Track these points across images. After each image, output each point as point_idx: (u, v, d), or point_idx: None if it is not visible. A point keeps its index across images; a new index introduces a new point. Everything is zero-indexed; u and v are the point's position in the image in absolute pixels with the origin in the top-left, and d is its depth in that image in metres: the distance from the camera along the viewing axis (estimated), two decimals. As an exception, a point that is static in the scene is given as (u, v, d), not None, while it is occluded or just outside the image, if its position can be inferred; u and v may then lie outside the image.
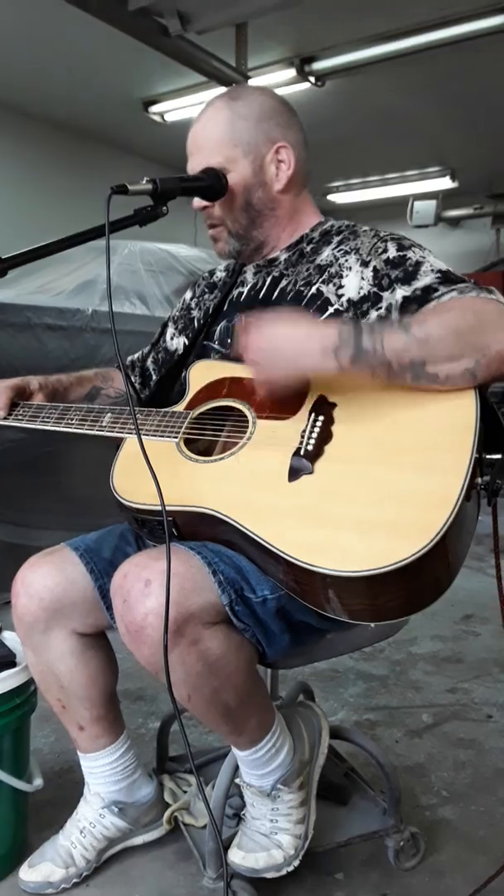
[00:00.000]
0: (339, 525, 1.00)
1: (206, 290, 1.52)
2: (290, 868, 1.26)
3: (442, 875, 1.41)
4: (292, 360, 1.08)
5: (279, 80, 4.87)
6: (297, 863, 1.27)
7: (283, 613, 1.13)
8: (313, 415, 1.13)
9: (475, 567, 3.35)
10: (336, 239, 1.30)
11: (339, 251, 1.27)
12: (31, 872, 1.36)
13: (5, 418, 1.37)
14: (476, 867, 1.42)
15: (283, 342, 1.09)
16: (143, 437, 1.13)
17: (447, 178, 7.41)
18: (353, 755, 1.60)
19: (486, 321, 1.05)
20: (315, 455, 1.09)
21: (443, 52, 4.36)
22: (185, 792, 1.49)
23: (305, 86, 4.90)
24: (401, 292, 1.16)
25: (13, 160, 5.94)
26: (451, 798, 1.66)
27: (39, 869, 1.36)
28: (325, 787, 1.39)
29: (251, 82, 4.48)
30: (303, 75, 4.80)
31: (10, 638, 1.49)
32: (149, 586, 1.04)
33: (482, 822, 1.57)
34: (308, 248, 1.33)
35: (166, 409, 1.28)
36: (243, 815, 1.33)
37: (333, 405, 1.13)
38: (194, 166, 1.30)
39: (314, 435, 1.10)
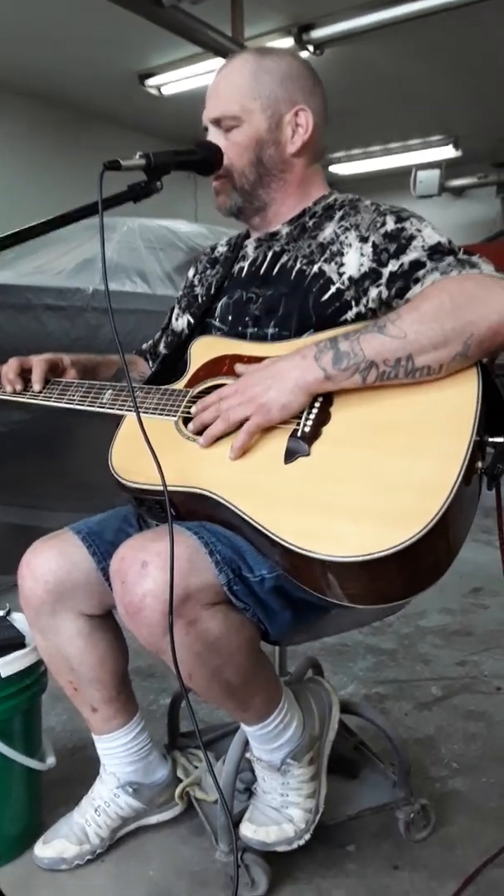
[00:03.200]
0: (334, 510, 0.99)
1: (209, 265, 1.50)
2: (302, 842, 1.28)
3: (453, 846, 1.42)
4: (278, 383, 1.08)
5: (282, 47, 4.79)
6: (308, 836, 1.28)
7: (282, 591, 1.13)
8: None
9: (483, 540, 3.34)
10: (338, 214, 1.28)
11: (339, 228, 1.25)
12: (46, 848, 1.38)
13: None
14: (487, 838, 1.43)
15: (262, 375, 1.11)
16: (142, 414, 1.12)
17: (451, 146, 7.30)
18: (363, 729, 1.61)
19: (465, 301, 1.04)
20: (312, 437, 1.08)
21: (444, 17, 4.28)
22: (196, 767, 1.51)
23: (304, 55, 4.82)
24: (390, 266, 1.15)
25: (7, 138, 5.88)
26: (462, 770, 1.67)
27: (54, 845, 1.38)
28: (335, 761, 1.39)
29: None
30: (301, 44, 4.72)
31: (20, 619, 1.50)
32: (146, 568, 1.05)
33: (493, 794, 1.58)
34: (310, 223, 1.31)
35: (166, 387, 1.27)
36: (254, 789, 1.34)
37: None
38: (209, 112, 1.28)
39: (311, 417, 1.09)
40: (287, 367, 1.09)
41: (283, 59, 1.28)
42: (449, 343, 1.02)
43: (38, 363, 1.37)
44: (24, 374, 1.38)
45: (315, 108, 1.29)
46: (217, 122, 1.28)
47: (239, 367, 1.18)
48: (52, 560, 1.29)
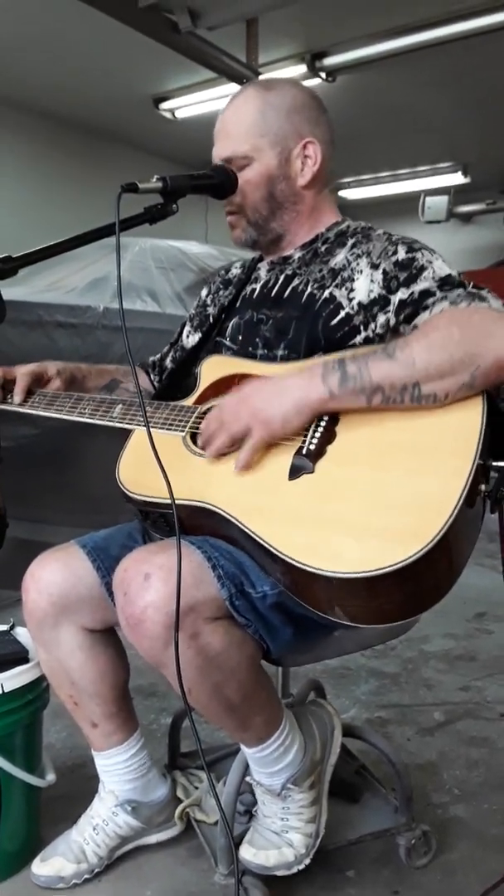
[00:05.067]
0: (335, 527, 1.00)
1: (222, 286, 1.52)
2: (301, 866, 1.27)
3: (454, 873, 1.40)
4: (280, 398, 1.09)
5: (290, 75, 4.85)
6: (308, 861, 1.27)
7: (283, 608, 1.13)
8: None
9: (488, 565, 3.32)
10: (350, 241, 1.30)
11: (351, 255, 1.27)
12: (43, 866, 1.37)
13: (21, 405, 1.38)
14: (488, 865, 1.41)
15: (265, 388, 1.12)
16: (150, 429, 1.13)
17: (459, 173, 7.36)
18: (365, 753, 1.60)
19: (474, 333, 1.05)
20: (317, 455, 1.09)
21: (454, 47, 4.33)
22: (196, 788, 1.50)
23: (316, 81, 4.88)
24: (399, 294, 1.17)
25: (24, 158, 5.95)
26: (464, 796, 1.66)
27: (51, 863, 1.37)
28: (336, 785, 1.38)
29: (262, 78, 4.47)
30: (314, 71, 4.78)
31: (23, 634, 1.50)
32: (148, 580, 1.05)
33: (495, 821, 1.57)
34: (322, 248, 1.33)
35: (175, 403, 1.29)
36: (255, 811, 1.33)
37: None
38: (219, 152, 1.31)
39: (317, 434, 1.10)
40: (292, 384, 1.10)
41: (287, 92, 1.30)
42: (456, 373, 1.03)
43: (21, 376, 1.39)
44: (8, 386, 1.40)
45: (322, 138, 1.31)
46: (228, 161, 1.30)
47: (244, 382, 1.19)
48: (57, 573, 1.29)
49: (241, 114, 1.29)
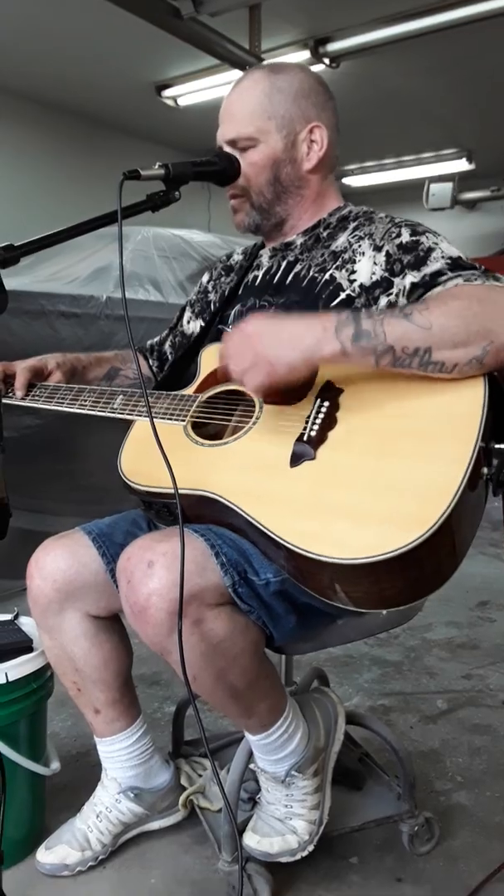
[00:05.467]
0: (337, 513, 1.00)
1: (223, 272, 1.51)
2: (305, 853, 1.27)
3: (456, 860, 1.41)
4: (292, 344, 1.05)
5: (293, 62, 4.82)
6: (311, 848, 1.28)
7: (286, 595, 1.13)
8: (319, 400, 1.12)
9: (491, 553, 3.34)
10: (352, 225, 1.29)
11: (353, 237, 1.26)
12: (48, 854, 1.38)
13: (23, 398, 1.38)
14: (491, 853, 1.42)
15: (277, 330, 1.07)
16: (152, 419, 1.13)
17: (463, 160, 7.31)
18: (368, 740, 1.60)
19: (492, 309, 1.04)
20: (318, 441, 1.08)
21: (459, 32, 4.29)
22: (200, 776, 1.51)
23: (320, 68, 4.83)
24: (409, 278, 1.15)
25: (25, 147, 5.92)
26: (466, 784, 1.66)
27: (56, 851, 1.38)
28: (339, 772, 1.39)
29: (269, 62, 4.43)
30: (317, 57, 4.74)
31: (28, 623, 1.50)
32: (151, 567, 1.05)
33: (497, 808, 1.57)
34: (324, 234, 1.32)
35: (176, 392, 1.29)
36: (258, 799, 1.34)
37: (340, 391, 1.12)
38: (225, 133, 1.29)
39: (318, 420, 1.10)
40: (303, 332, 1.06)
41: (295, 76, 1.29)
42: (469, 344, 1.02)
43: (21, 371, 1.39)
44: (9, 380, 1.40)
45: (328, 123, 1.30)
46: (233, 143, 1.29)
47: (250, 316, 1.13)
48: (62, 559, 1.30)
49: (248, 96, 1.28)
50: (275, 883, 1.29)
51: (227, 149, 1.30)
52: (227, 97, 1.31)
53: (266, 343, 1.06)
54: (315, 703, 1.37)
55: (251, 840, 1.28)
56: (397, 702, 2.06)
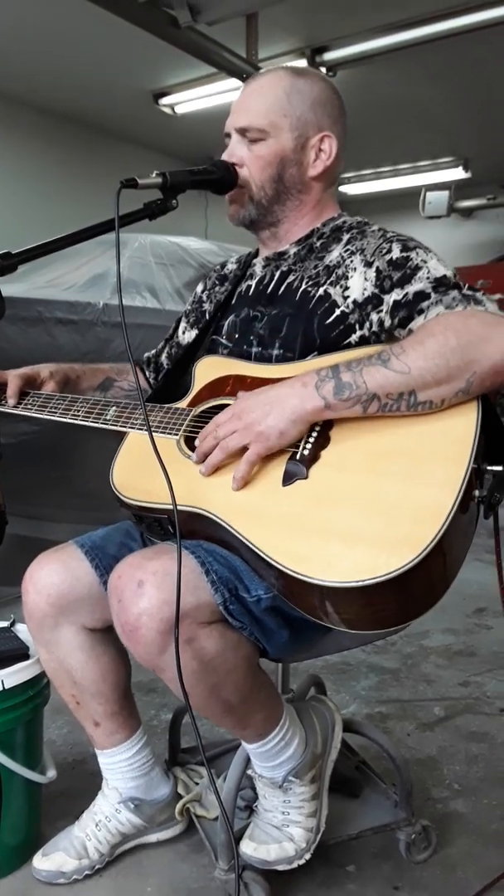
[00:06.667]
0: (328, 534, 1.00)
1: (217, 282, 1.51)
2: (302, 861, 1.27)
3: (454, 868, 1.41)
4: (277, 409, 1.07)
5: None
6: (308, 856, 1.27)
7: (278, 611, 1.13)
8: None
9: (487, 560, 3.33)
10: (345, 237, 1.29)
11: (346, 251, 1.26)
12: (45, 861, 1.37)
13: (15, 406, 1.38)
14: (488, 861, 1.42)
15: (260, 400, 1.10)
16: (144, 432, 1.13)
17: (460, 168, 7.35)
18: (365, 748, 1.60)
19: (469, 339, 1.04)
20: (311, 461, 1.08)
21: (455, 41, 4.32)
22: (196, 784, 1.50)
23: (316, 76, 4.86)
24: (394, 295, 1.16)
25: (23, 154, 5.94)
26: (464, 791, 1.66)
27: (53, 858, 1.37)
28: (336, 780, 1.39)
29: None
30: (314, 66, 4.76)
31: (23, 630, 1.50)
32: (141, 587, 1.05)
33: (495, 816, 1.57)
34: (318, 244, 1.32)
35: (169, 406, 1.28)
36: (255, 807, 1.33)
37: None
38: (237, 121, 1.29)
39: (311, 441, 1.10)
40: (286, 394, 1.09)
41: (315, 83, 1.30)
42: (452, 380, 1.03)
43: (13, 379, 1.40)
44: (1, 388, 1.40)
45: (338, 136, 1.31)
46: (242, 132, 1.28)
47: (240, 394, 1.17)
48: (55, 573, 1.30)
49: (268, 90, 1.28)
50: (271, 891, 1.28)
51: (235, 136, 1.29)
52: (245, 88, 1.31)
53: (253, 416, 1.09)
54: (312, 710, 1.36)
55: (248, 848, 1.27)
56: (394, 709, 2.06)
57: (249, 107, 1.28)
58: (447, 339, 1.04)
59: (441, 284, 1.14)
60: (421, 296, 1.13)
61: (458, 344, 1.03)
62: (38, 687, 1.40)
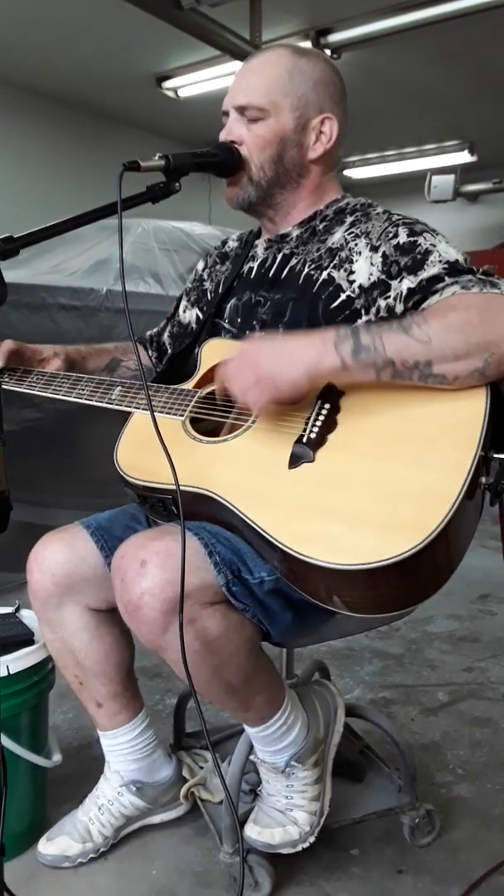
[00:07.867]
0: (334, 517, 0.99)
1: (218, 260, 1.50)
2: (306, 844, 1.27)
3: (457, 852, 1.41)
4: (293, 360, 1.05)
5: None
6: (312, 839, 1.28)
7: (282, 593, 1.13)
8: (319, 402, 1.11)
9: (493, 546, 3.33)
10: (349, 220, 1.27)
11: (349, 234, 1.24)
12: (49, 845, 1.38)
13: (17, 384, 1.35)
14: (492, 845, 1.42)
15: (277, 348, 1.07)
16: (153, 412, 1.12)
17: (466, 152, 7.28)
18: (369, 733, 1.60)
19: (491, 319, 1.02)
20: (317, 443, 1.07)
21: (461, 23, 4.26)
22: (201, 768, 1.51)
23: (321, 59, 4.81)
24: (406, 283, 1.13)
25: (25, 139, 5.90)
26: (467, 776, 1.67)
27: (57, 842, 1.38)
28: (340, 764, 1.39)
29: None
30: (318, 48, 4.71)
31: (29, 616, 1.50)
32: (144, 566, 1.05)
33: (498, 800, 1.58)
34: (321, 226, 1.30)
35: (175, 387, 1.28)
36: (259, 790, 1.34)
37: (341, 393, 1.11)
38: (236, 98, 1.26)
39: (318, 422, 1.09)
40: (303, 347, 1.06)
41: (318, 64, 1.27)
42: (470, 357, 1.01)
43: (6, 342, 1.36)
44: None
45: (339, 119, 1.28)
46: (241, 110, 1.25)
47: (243, 344, 1.13)
48: (60, 553, 1.30)
49: (269, 68, 1.25)
50: (276, 874, 1.29)
51: (234, 115, 1.26)
52: (245, 65, 1.28)
53: (267, 361, 1.07)
54: (315, 694, 1.37)
55: (252, 831, 1.28)
56: (398, 694, 2.06)
57: (249, 85, 1.25)
58: (470, 315, 1.02)
59: (454, 269, 1.11)
60: (435, 280, 1.11)
61: (480, 322, 1.01)
62: (42, 672, 1.40)
